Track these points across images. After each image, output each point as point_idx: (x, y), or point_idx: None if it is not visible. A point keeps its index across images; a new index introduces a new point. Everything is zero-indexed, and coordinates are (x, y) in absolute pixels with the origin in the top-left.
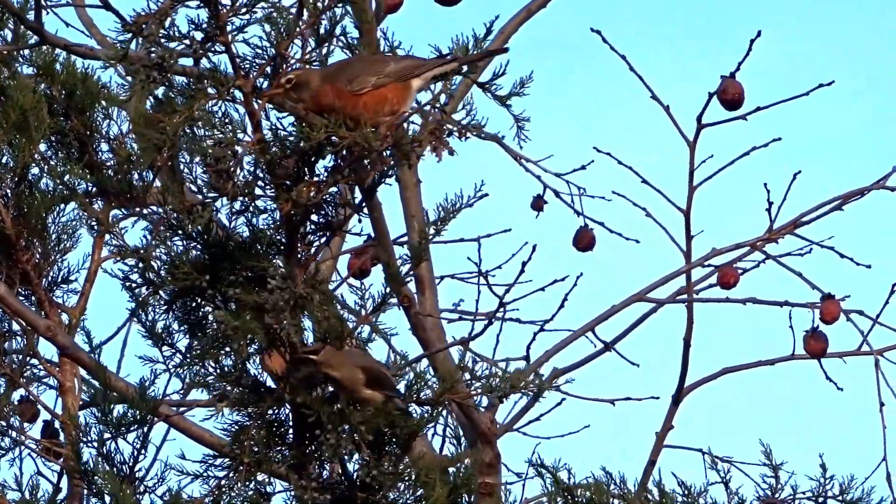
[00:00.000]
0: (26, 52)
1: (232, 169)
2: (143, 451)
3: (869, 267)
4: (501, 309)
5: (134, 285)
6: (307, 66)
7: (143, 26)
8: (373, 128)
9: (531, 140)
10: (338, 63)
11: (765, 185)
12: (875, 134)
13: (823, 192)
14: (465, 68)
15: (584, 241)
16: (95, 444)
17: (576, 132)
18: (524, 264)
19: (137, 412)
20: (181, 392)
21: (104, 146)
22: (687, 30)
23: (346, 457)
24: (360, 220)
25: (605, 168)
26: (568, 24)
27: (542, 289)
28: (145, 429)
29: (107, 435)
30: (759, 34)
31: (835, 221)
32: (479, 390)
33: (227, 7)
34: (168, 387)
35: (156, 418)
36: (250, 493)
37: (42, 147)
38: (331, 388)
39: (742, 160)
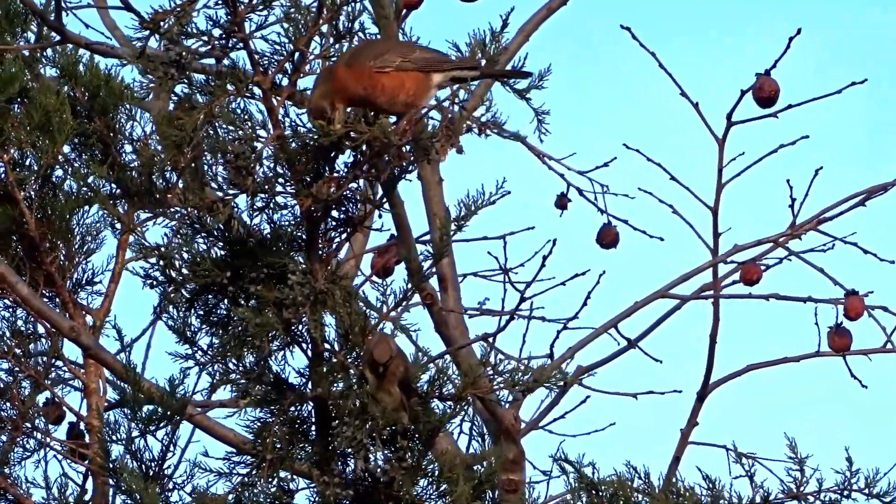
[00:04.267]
0: (49, 53)
1: (252, 165)
2: (171, 449)
3: (893, 262)
4: (523, 304)
5: (155, 283)
6: (325, 65)
7: (162, 23)
8: (390, 117)
9: (552, 134)
10: (365, 42)
11: (787, 181)
12: (888, 125)
13: (846, 187)
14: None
15: (607, 238)
16: (124, 442)
17: (600, 130)
18: (545, 259)
19: (167, 410)
20: (207, 391)
21: (128, 147)
22: (714, 26)
23: (360, 450)
24: (380, 216)
25: (628, 166)
26: (590, 21)
27: (563, 283)
28: (174, 426)
29: (135, 432)
30: (798, 32)
31: (858, 217)
32: (502, 385)
33: (245, 4)
34: (197, 385)
35: (184, 416)
36: (273, 489)
37: (65, 149)
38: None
39: (769, 157)
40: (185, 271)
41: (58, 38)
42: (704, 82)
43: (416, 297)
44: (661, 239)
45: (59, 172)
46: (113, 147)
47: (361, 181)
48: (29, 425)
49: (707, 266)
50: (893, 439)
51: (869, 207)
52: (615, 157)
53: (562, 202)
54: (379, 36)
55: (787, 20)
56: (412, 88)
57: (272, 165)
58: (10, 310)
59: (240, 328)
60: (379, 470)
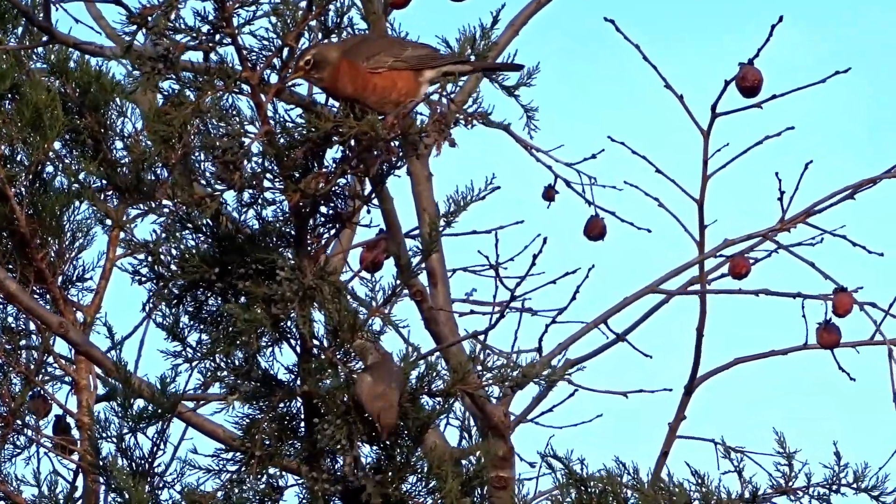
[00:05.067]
0: (40, 49)
1: (239, 160)
2: (161, 447)
3: (882, 255)
4: (512, 301)
5: (144, 279)
6: (325, 42)
7: (149, 18)
8: (379, 114)
9: (541, 130)
10: (359, 37)
11: (776, 174)
12: (887, 122)
13: (835, 181)
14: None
15: (595, 229)
16: (114, 439)
17: (587, 122)
18: (535, 257)
19: (158, 407)
20: (198, 388)
21: (119, 143)
22: (701, 17)
23: (341, 449)
24: (368, 212)
25: (616, 158)
26: (580, 14)
27: (554, 282)
28: (164, 424)
29: (126, 430)
30: (780, 19)
31: (847, 210)
32: (491, 381)
33: None
34: (188, 382)
35: (175, 414)
36: (262, 486)
37: (56, 145)
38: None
39: (756, 149)
40: (173, 267)
41: (46, 37)
42: (702, 79)
43: (405, 292)
44: (649, 231)
45: (49, 169)
46: (104, 143)
47: (350, 177)
48: (19, 422)
49: (697, 261)
50: (881, 432)
51: (858, 200)
52: (603, 150)
53: (549, 194)
54: (367, 31)
55: (790, 18)
56: (404, 88)
57: (260, 161)
58: (1, 306)
59: (229, 324)
60: (352, 477)
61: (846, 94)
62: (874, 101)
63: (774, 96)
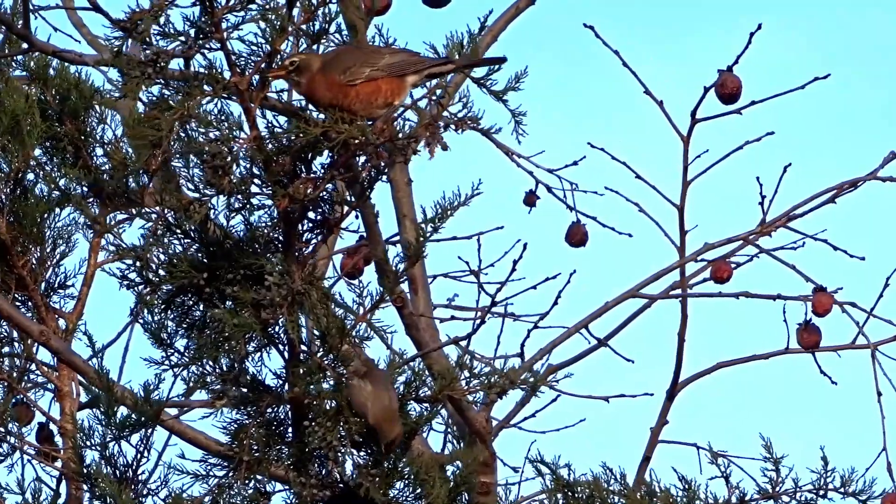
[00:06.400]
0: (19, 57)
1: (227, 165)
2: (145, 454)
3: (863, 259)
4: (493, 307)
5: (132, 284)
6: (312, 50)
7: (138, 23)
8: (368, 119)
9: (528, 135)
10: (335, 50)
11: (757, 178)
12: (867, 125)
13: (816, 184)
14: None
15: (576, 236)
16: (98, 447)
17: (568, 128)
18: (515, 263)
19: (141, 415)
20: (182, 395)
21: (99, 150)
22: (680, 24)
23: (331, 451)
24: (357, 217)
25: (597, 164)
26: (559, 20)
27: (535, 287)
28: (148, 431)
29: (109, 437)
30: (759, 27)
31: (828, 214)
32: (477, 387)
33: (222, 4)
34: (172, 389)
35: (158, 422)
36: (250, 491)
37: (36, 152)
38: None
39: (736, 154)
40: (161, 272)
41: (25, 45)
42: (705, 77)
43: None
44: (630, 235)
45: (30, 176)
46: (84, 150)
47: (337, 182)
48: (2, 430)
49: (677, 265)
50: (864, 434)
51: (839, 204)
52: (584, 156)
53: (530, 199)
54: (350, 39)
55: (792, 19)
56: (388, 90)
57: (248, 166)
58: None
59: (216, 330)
60: (347, 475)
61: (845, 96)
62: (846, 100)
63: (753, 102)
